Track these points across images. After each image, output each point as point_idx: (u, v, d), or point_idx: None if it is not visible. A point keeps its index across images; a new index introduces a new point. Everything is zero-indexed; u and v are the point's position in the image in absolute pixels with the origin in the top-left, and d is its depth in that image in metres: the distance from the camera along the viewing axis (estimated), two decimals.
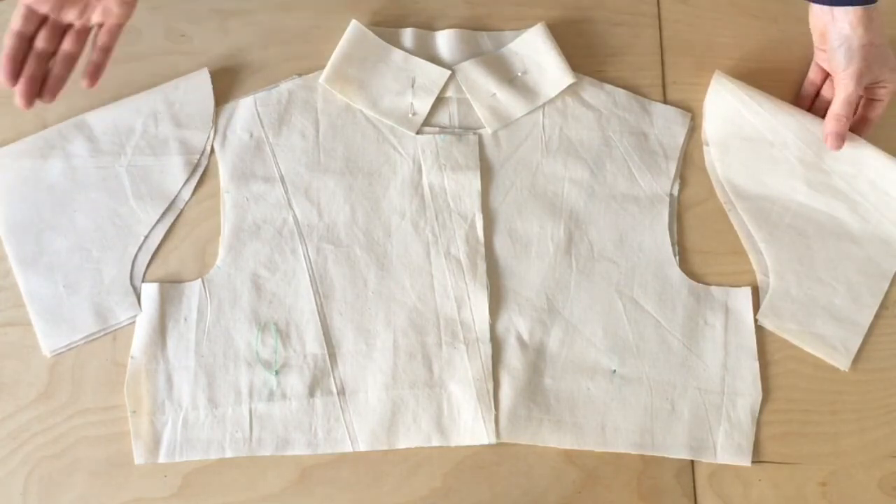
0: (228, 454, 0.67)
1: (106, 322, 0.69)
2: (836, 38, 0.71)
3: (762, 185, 0.76)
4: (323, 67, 0.76)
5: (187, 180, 0.73)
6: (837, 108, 0.72)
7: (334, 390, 0.69)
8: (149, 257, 0.71)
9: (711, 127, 0.78)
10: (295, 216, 0.73)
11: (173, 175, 0.72)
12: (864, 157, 0.74)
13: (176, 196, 0.72)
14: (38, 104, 0.65)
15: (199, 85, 0.75)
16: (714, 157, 0.77)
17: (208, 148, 0.74)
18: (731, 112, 0.77)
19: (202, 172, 0.73)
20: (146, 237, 0.71)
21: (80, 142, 0.72)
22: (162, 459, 0.67)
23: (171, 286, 0.70)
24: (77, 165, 0.72)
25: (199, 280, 0.70)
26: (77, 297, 0.69)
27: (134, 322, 0.69)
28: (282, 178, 0.73)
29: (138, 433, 0.67)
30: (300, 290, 0.71)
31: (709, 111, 0.78)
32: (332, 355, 0.70)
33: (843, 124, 0.72)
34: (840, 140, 0.72)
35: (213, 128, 0.74)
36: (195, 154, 0.73)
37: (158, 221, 0.71)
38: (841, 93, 0.72)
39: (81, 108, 0.73)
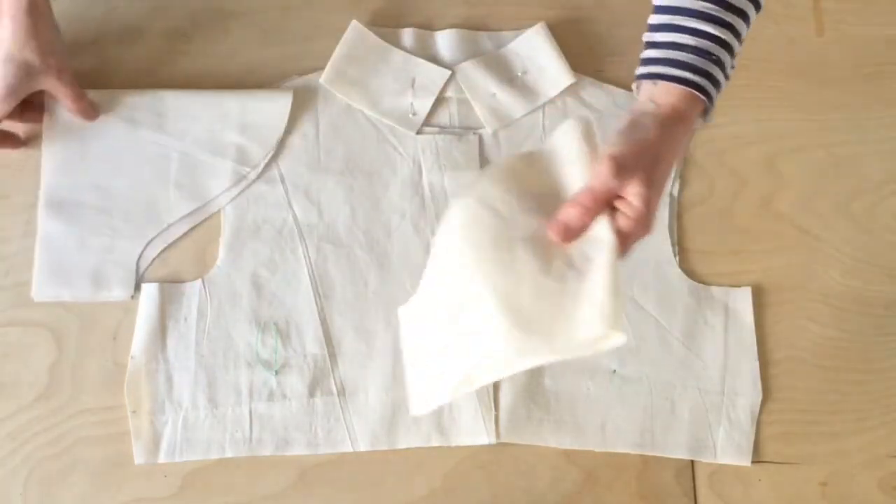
0: (228, 454, 0.67)
1: (98, 291, 0.69)
2: (629, 117, 0.58)
3: None
4: (323, 67, 0.76)
5: (229, 188, 0.72)
6: (580, 195, 0.55)
7: (334, 390, 0.69)
8: (163, 246, 0.71)
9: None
10: (295, 216, 0.73)
11: (219, 178, 0.72)
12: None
13: (212, 199, 0.72)
14: None
15: (280, 104, 0.74)
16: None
17: (262, 165, 0.73)
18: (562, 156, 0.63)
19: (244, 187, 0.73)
20: (169, 226, 0.71)
21: (149, 115, 0.72)
22: (162, 459, 0.67)
23: (171, 286, 0.70)
24: (138, 135, 0.72)
25: (200, 280, 0.70)
26: (84, 256, 0.69)
27: (124, 310, 0.69)
28: (282, 178, 0.73)
29: (138, 433, 0.67)
30: (300, 290, 0.71)
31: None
32: (333, 355, 0.70)
33: (577, 216, 0.54)
34: (565, 230, 0.55)
35: (275, 150, 0.74)
36: (248, 167, 0.72)
37: (186, 216, 0.71)
38: (593, 179, 0.55)
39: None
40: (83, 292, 0.69)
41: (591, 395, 0.71)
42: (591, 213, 0.55)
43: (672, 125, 0.58)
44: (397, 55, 0.77)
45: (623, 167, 0.54)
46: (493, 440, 0.69)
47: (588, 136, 0.60)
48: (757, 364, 0.72)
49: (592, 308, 0.54)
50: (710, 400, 0.71)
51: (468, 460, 0.69)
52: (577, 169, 0.59)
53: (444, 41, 0.78)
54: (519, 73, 0.78)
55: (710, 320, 0.73)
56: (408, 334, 0.64)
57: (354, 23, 0.77)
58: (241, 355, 0.69)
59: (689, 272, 0.74)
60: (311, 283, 0.71)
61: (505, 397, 0.70)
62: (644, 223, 0.55)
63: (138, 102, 0.73)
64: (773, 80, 0.80)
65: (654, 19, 0.61)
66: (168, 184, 0.72)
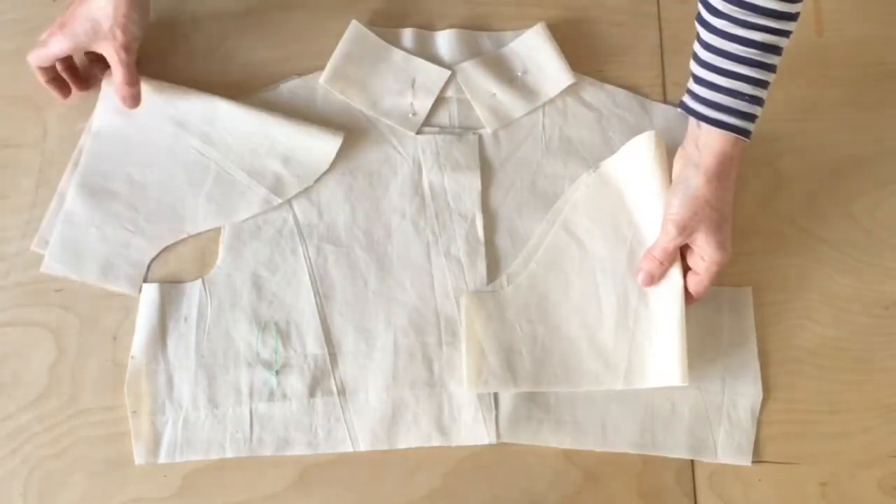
0: (229, 454, 0.67)
1: (104, 281, 0.69)
2: (680, 170, 0.67)
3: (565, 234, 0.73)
4: (323, 67, 0.76)
5: (255, 216, 0.72)
6: (655, 250, 0.68)
7: (335, 390, 0.69)
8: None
9: (617, 162, 0.74)
10: (295, 216, 0.73)
11: (248, 202, 0.72)
12: (661, 312, 0.69)
13: (236, 223, 0.72)
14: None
15: (328, 145, 0.73)
16: (587, 181, 0.74)
17: (291, 198, 0.73)
18: (634, 168, 0.72)
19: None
20: (188, 237, 0.71)
21: (199, 122, 0.73)
22: (162, 460, 0.67)
23: (171, 286, 0.70)
24: (183, 140, 0.72)
25: (200, 280, 0.70)
26: (100, 245, 0.70)
27: (124, 310, 0.69)
28: None
29: (138, 433, 0.67)
30: (300, 290, 0.71)
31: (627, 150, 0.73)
32: (333, 355, 0.70)
33: (657, 266, 0.68)
34: (650, 278, 0.68)
35: (309, 189, 0.73)
36: (278, 199, 0.72)
37: (207, 232, 0.71)
38: (661, 237, 0.67)
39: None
40: (88, 276, 0.70)
41: (591, 395, 0.71)
42: (668, 263, 0.68)
43: (718, 173, 0.65)
44: (397, 55, 0.77)
45: (684, 227, 0.66)
46: (493, 440, 0.69)
47: (661, 150, 0.71)
48: (757, 364, 0.72)
49: (668, 361, 0.67)
50: (711, 400, 0.71)
51: (468, 460, 0.69)
52: (652, 184, 0.70)
53: (444, 41, 0.78)
54: (519, 73, 0.78)
55: (710, 320, 0.73)
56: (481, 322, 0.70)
57: (354, 23, 0.77)
58: (241, 355, 0.69)
59: None
60: (312, 283, 0.71)
61: (505, 397, 0.70)
62: (720, 263, 0.66)
63: (192, 106, 0.73)
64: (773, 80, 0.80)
65: (701, 53, 0.65)
66: (199, 194, 0.72)
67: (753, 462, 0.70)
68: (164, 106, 0.73)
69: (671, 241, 0.67)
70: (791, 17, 0.62)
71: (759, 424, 0.71)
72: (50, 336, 0.69)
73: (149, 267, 0.70)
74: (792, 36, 0.64)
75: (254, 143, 0.73)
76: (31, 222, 0.71)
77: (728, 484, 0.70)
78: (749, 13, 0.62)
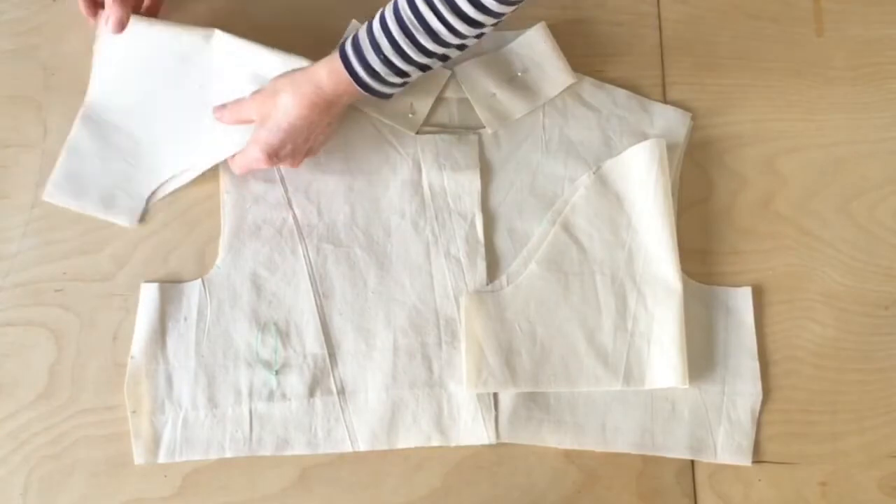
0: (228, 454, 0.67)
1: (104, 212, 0.70)
2: None
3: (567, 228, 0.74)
4: None
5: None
6: (226, 106, 0.70)
7: (334, 390, 0.69)
8: (176, 187, 0.72)
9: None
10: (295, 216, 0.73)
11: (244, 139, 0.69)
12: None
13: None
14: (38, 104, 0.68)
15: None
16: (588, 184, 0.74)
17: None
18: (635, 174, 0.73)
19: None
20: (183, 172, 0.71)
21: (202, 58, 0.72)
22: (162, 459, 0.67)
23: (170, 286, 0.70)
24: (187, 76, 0.72)
25: (199, 280, 0.70)
26: (102, 176, 0.71)
27: (124, 310, 0.69)
28: (281, 178, 0.73)
29: (138, 433, 0.67)
30: (300, 290, 0.71)
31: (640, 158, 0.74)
32: (332, 355, 0.70)
33: (226, 109, 0.70)
34: (217, 113, 0.70)
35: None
36: None
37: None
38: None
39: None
40: (91, 207, 0.71)
41: (591, 395, 0.71)
42: (225, 118, 0.70)
43: (295, 76, 0.67)
44: None
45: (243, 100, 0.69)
46: (493, 440, 0.69)
47: (664, 159, 0.72)
48: (757, 364, 0.72)
49: (668, 363, 0.69)
50: (711, 400, 0.71)
51: (468, 460, 0.69)
52: (652, 190, 0.71)
53: None
54: (519, 73, 0.78)
55: (710, 320, 0.73)
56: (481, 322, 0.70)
57: (354, 23, 0.77)
58: (240, 355, 0.69)
59: (689, 272, 0.74)
60: (311, 283, 0.71)
61: (505, 397, 0.70)
62: (253, 137, 0.68)
63: (195, 41, 0.72)
64: (773, 80, 0.80)
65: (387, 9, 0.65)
66: (199, 130, 0.71)
67: (753, 462, 0.70)
68: (169, 40, 0.72)
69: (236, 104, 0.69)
70: (476, 23, 0.62)
71: (759, 424, 0.71)
72: (50, 336, 0.69)
73: (148, 200, 0.71)
74: (470, 47, 0.67)
75: (258, 82, 0.71)
76: (31, 222, 0.71)
77: (728, 484, 0.70)
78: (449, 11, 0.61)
